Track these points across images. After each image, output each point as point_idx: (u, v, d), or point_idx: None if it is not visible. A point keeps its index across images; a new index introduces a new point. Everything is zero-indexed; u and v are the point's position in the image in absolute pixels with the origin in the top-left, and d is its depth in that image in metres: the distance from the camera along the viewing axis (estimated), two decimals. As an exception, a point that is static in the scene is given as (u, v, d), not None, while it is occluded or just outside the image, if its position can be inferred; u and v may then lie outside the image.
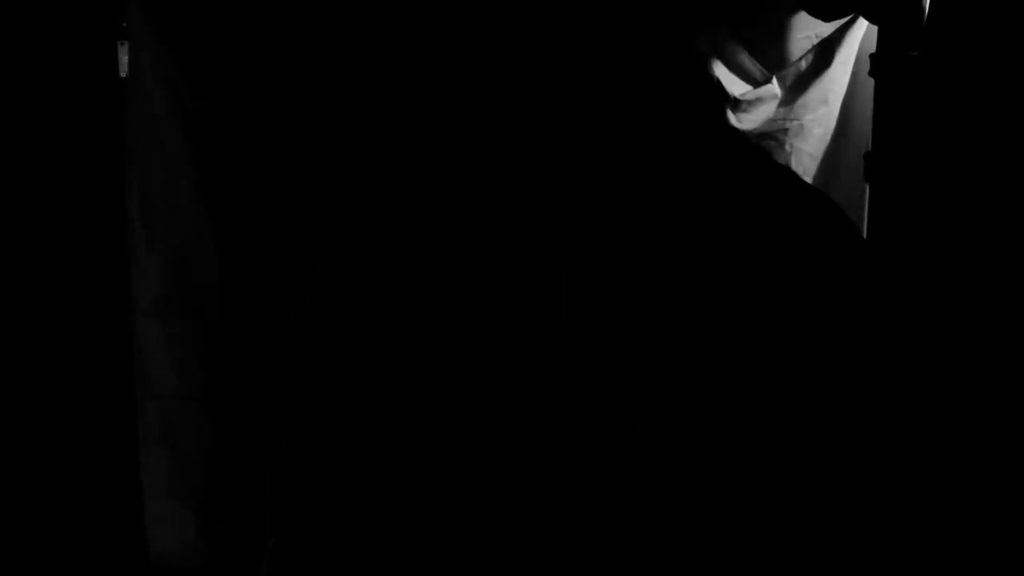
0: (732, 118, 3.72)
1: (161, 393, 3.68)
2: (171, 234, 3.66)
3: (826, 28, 3.67)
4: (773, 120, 3.74)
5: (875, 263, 3.48)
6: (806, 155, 3.75)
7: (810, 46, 3.71)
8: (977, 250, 3.31)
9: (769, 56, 3.73)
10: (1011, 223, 3.26)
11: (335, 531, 3.70)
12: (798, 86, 3.73)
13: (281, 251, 3.70)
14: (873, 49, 3.51)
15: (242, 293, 3.69)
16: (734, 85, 3.72)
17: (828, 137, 3.75)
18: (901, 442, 3.36)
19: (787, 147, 3.74)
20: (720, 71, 3.71)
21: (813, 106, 3.73)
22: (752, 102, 3.72)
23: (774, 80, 3.72)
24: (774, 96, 3.73)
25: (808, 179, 3.76)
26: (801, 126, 3.73)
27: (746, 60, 3.73)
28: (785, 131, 3.74)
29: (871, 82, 3.53)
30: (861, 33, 3.68)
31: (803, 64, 3.72)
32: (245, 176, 3.68)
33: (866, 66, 3.57)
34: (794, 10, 3.68)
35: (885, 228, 3.50)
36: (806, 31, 3.71)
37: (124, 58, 3.55)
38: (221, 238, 3.67)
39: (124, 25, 3.55)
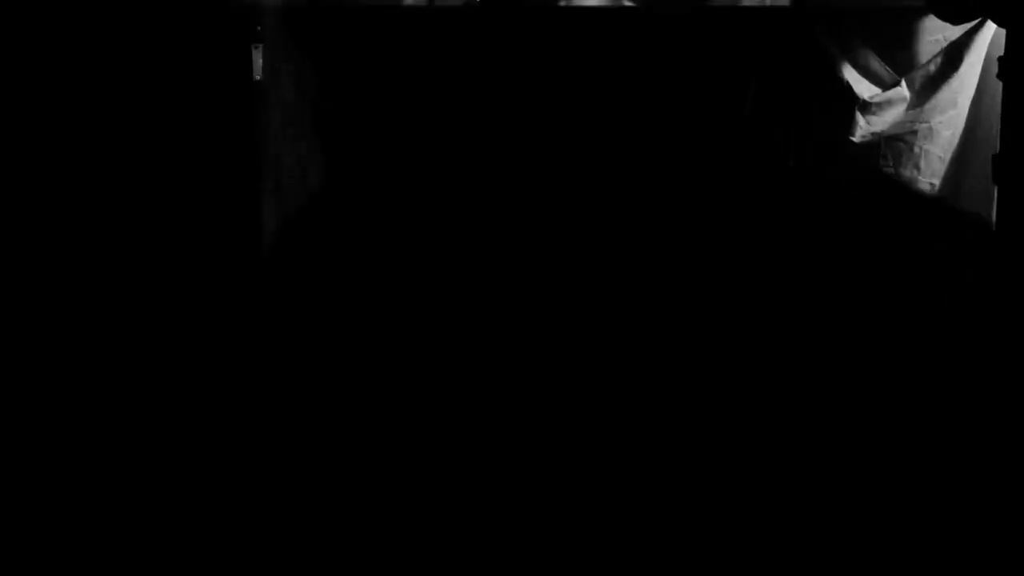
0: (861, 120, 3.77)
1: None
2: (306, 239, 3.82)
3: (954, 31, 3.67)
4: (902, 122, 3.77)
5: (1004, 263, 3.49)
6: (935, 157, 3.77)
7: (939, 49, 3.72)
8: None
9: (898, 59, 3.76)
10: None
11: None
12: (927, 89, 3.74)
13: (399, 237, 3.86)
14: (1001, 52, 3.51)
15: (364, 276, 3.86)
16: (863, 88, 3.77)
17: (957, 139, 3.75)
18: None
19: (916, 149, 3.76)
20: (849, 74, 3.76)
21: (942, 109, 3.73)
22: (881, 104, 3.76)
23: (903, 83, 3.74)
24: (903, 99, 3.76)
25: (936, 181, 3.78)
26: (930, 128, 3.75)
27: (875, 63, 3.77)
28: (914, 133, 3.76)
29: (999, 85, 3.51)
30: (989, 36, 3.66)
31: (932, 67, 3.73)
32: (368, 171, 3.84)
33: (994, 69, 3.55)
34: (922, 13, 3.69)
35: (1014, 229, 3.51)
36: (935, 34, 3.72)
37: (259, 61, 3.70)
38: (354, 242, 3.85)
39: (259, 29, 3.70)
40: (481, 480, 3.41)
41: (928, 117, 3.75)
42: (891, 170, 3.80)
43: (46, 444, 3.47)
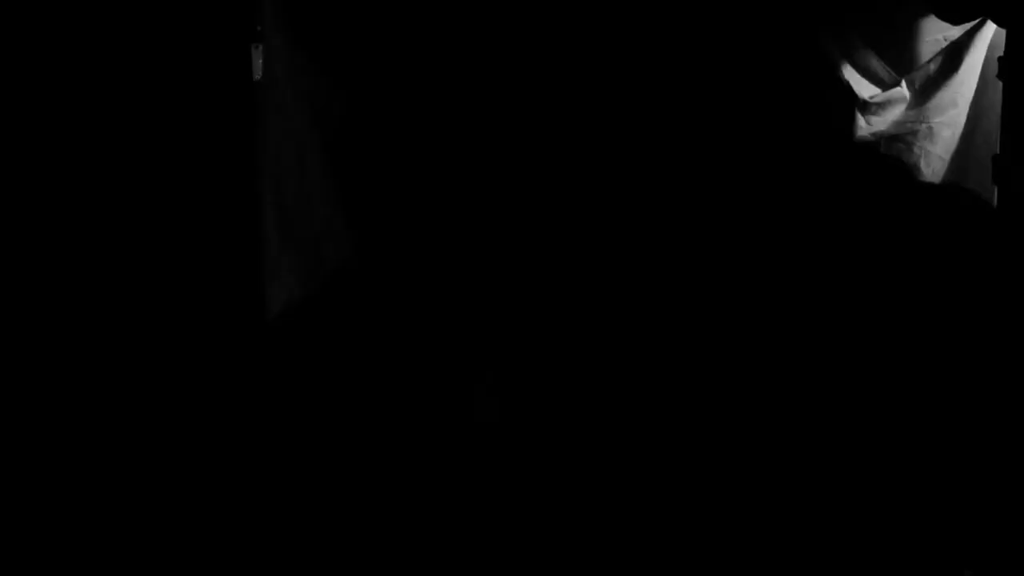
0: (861, 120, 3.77)
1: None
2: (304, 236, 3.69)
3: (955, 31, 3.68)
4: (902, 123, 3.77)
5: (1004, 263, 3.49)
6: (935, 157, 3.77)
7: (939, 49, 3.72)
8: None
9: (898, 59, 3.77)
10: None
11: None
12: (927, 89, 3.74)
13: (415, 252, 3.80)
14: (1001, 52, 3.51)
15: (376, 293, 3.78)
16: (863, 88, 3.77)
17: (957, 139, 3.75)
18: None
19: (916, 149, 3.76)
20: (849, 74, 3.76)
21: (942, 109, 3.73)
22: (881, 104, 3.76)
23: (903, 83, 3.75)
24: (903, 99, 3.76)
25: (937, 181, 3.78)
26: (930, 128, 3.75)
27: (875, 63, 3.76)
28: (914, 133, 3.76)
29: (1000, 84, 3.52)
30: (989, 36, 3.67)
31: (932, 67, 3.73)
32: (378, 178, 3.73)
33: (994, 69, 3.56)
34: (923, 13, 3.70)
35: (1014, 229, 3.51)
36: (935, 34, 3.72)
37: (258, 61, 3.59)
38: (354, 240, 3.74)
39: (258, 28, 3.58)
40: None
41: (928, 117, 3.75)
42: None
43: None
